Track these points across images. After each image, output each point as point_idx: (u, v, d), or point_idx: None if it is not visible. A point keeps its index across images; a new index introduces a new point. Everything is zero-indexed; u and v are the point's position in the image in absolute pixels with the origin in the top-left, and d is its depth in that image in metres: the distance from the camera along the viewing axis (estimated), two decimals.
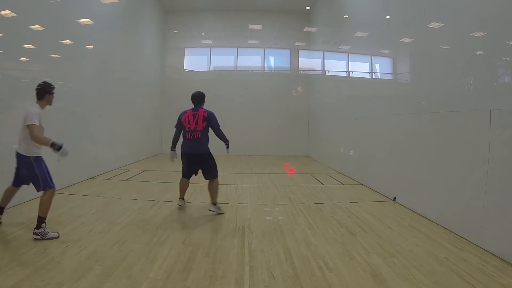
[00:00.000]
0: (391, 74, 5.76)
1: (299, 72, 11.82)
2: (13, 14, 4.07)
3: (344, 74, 8.81)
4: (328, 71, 10.39)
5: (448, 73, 3.77)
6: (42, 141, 3.10)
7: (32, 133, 3.02)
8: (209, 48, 11.72)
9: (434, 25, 4.04)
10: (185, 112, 4.07)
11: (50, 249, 2.77)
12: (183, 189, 4.23)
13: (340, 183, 6.27)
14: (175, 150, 4.26)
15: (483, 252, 2.89)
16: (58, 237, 3.08)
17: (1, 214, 3.38)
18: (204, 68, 11.71)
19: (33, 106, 3.18)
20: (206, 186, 4.06)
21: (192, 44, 11.70)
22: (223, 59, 11.85)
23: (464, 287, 2.30)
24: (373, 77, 6.88)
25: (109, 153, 7.00)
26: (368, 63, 7.00)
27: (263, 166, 8.44)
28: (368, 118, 6.21)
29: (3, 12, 3.96)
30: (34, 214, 3.69)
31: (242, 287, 2.27)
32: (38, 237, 3.02)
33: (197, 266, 2.56)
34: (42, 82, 3.25)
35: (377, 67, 6.64)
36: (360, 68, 7.77)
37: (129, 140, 8.23)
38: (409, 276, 2.44)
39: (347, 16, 7.81)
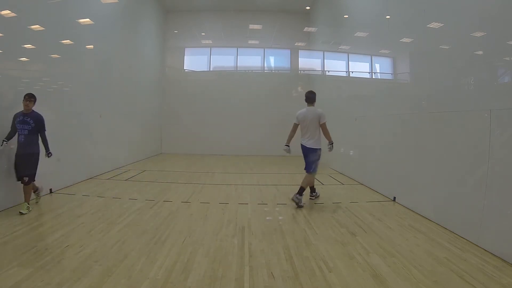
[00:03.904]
0: (391, 74, 5.76)
1: (299, 72, 11.81)
2: (13, 14, 4.07)
3: (344, 74, 8.81)
4: (328, 71, 10.39)
5: (448, 73, 3.77)
6: (330, 136, 4.40)
7: (327, 128, 4.37)
8: (209, 48, 11.72)
9: (434, 25, 4.04)
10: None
11: (50, 249, 2.77)
12: None
13: (340, 183, 6.27)
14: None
15: (483, 252, 2.89)
16: (302, 206, 4.32)
17: (315, 192, 4.90)
18: (204, 68, 11.70)
19: (315, 108, 4.55)
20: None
21: (192, 44, 11.70)
22: (223, 59, 11.85)
23: (464, 287, 2.30)
24: (373, 77, 6.87)
25: (109, 153, 7.00)
26: (368, 63, 6.99)
27: (263, 166, 8.43)
28: (368, 118, 6.20)
29: (3, 12, 3.97)
30: (34, 214, 3.74)
31: (242, 287, 2.27)
32: (296, 201, 4.30)
33: (197, 266, 2.56)
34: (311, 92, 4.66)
35: (377, 67, 6.64)
36: (360, 68, 7.76)
37: (129, 140, 8.23)
38: (409, 276, 2.44)
39: (347, 16, 7.80)
